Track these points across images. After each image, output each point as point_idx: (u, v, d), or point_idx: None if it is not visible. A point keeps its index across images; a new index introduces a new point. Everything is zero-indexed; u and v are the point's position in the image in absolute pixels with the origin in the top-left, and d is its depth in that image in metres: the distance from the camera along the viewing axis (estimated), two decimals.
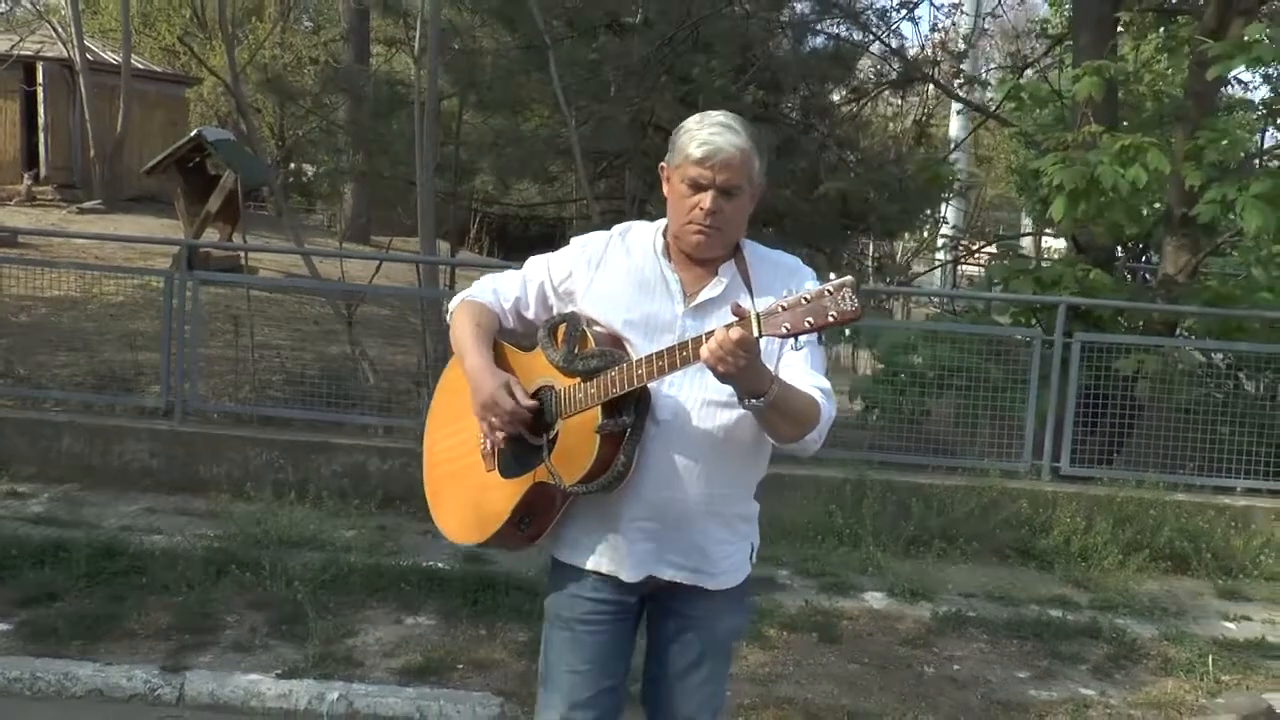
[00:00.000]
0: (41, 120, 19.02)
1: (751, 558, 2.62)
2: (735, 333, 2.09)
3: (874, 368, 8.05)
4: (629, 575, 2.48)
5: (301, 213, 23.37)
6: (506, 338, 2.61)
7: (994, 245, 13.15)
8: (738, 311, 2.12)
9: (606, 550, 2.48)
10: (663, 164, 2.48)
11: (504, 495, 2.47)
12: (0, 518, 5.73)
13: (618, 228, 2.60)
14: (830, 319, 2.04)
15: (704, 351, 2.12)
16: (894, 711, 4.27)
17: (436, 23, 8.95)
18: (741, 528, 2.56)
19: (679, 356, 2.21)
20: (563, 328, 2.44)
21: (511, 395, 2.40)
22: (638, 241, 2.54)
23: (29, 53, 18.84)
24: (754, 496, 2.61)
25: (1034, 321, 7.48)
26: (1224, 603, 5.65)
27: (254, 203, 19.60)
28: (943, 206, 15.31)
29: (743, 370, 2.12)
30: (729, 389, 2.26)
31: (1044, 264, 8.55)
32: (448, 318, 2.65)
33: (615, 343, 2.40)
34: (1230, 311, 7.20)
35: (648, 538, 2.45)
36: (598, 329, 2.43)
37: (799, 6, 13.57)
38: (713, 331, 2.13)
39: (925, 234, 14.25)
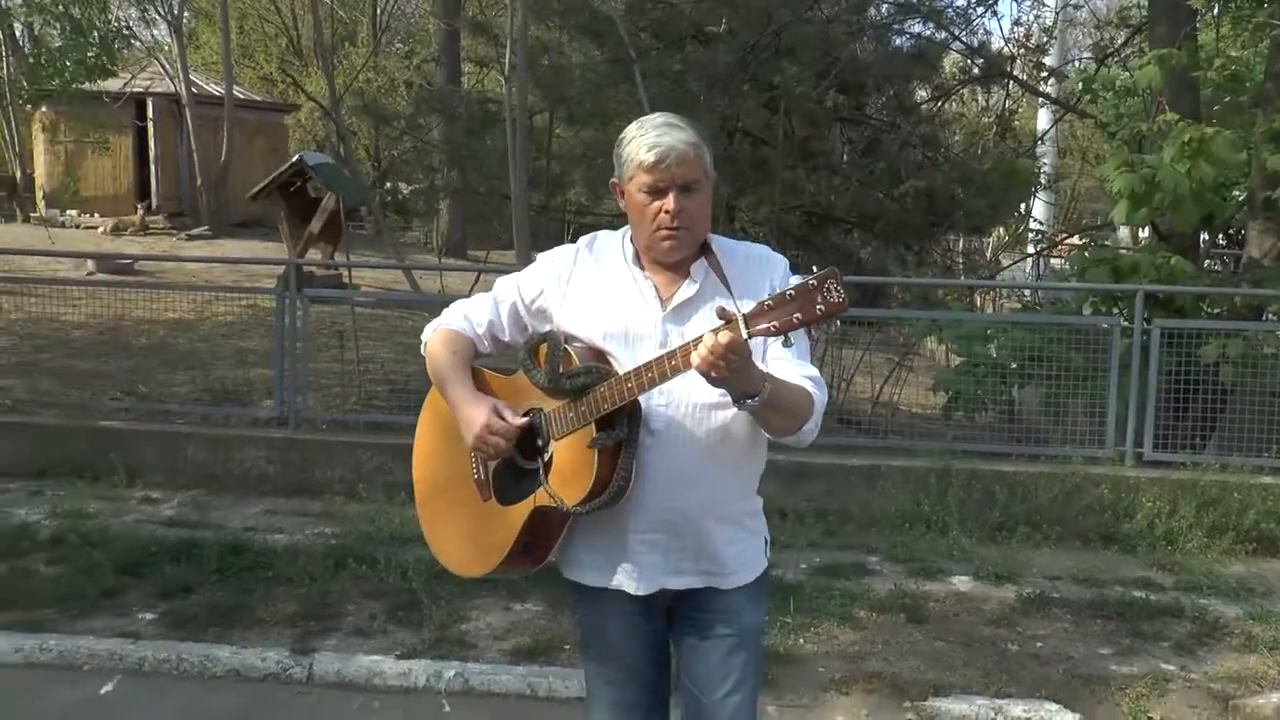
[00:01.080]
0: (152, 153, 19.98)
1: (765, 552, 2.59)
2: (724, 337, 2.06)
3: (953, 360, 8.17)
4: (641, 589, 2.46)
5: (398, 231, 24.06)
6: (485, 363, 2.59)
7: (1078, 236, 13.08)
8: (723, 315, 2.08)
9: (615, 566, 2.46)
10: (613, 180, 2.46)
11: (505, 524, 2.45)
12: (137, 521, 6.22)
13: (583, 239, 2.56)
14: (818, 312, 2.01)
15: (694, 359, 2.09)
16: (978, 684, 4.46)
17: (524, 41, 9.33)
18: (749, 523, 2.55)
19: (668, 366, 2.18)
20: (543, 348, 2.39)
21: (502, 417, 2.38)
22: (605, 251, 2.51)
23: (139, 89, 19.80)
24: (757, 490, 2.59)
25: (1115, 310, 7.55)
26: None
27: (353, 222, 20.27)
28: (1032, 200, 15.32)
29: (735, 373, 2.10)
30: (719, 392, 2.23)
31: (1125, 253, 8.58)
32: (423, 349, 2.60)
33: (598, 357, 2.38)
34: None
35: (654, 550, 2.43)
36: (578, 345, 2.40)
37: (881, 8, 13.73)
38: (700, 338, 2.10)
39: (1014, 228, 14.24)
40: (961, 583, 5.58)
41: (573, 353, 2.35)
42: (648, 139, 2.34)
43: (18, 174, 21.33)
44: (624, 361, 2.35)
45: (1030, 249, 13.46)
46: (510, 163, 9.14)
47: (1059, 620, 5.17)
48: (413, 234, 23.68)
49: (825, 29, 12.12)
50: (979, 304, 13.88)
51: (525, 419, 2.39)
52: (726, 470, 2.44)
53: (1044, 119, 16.35)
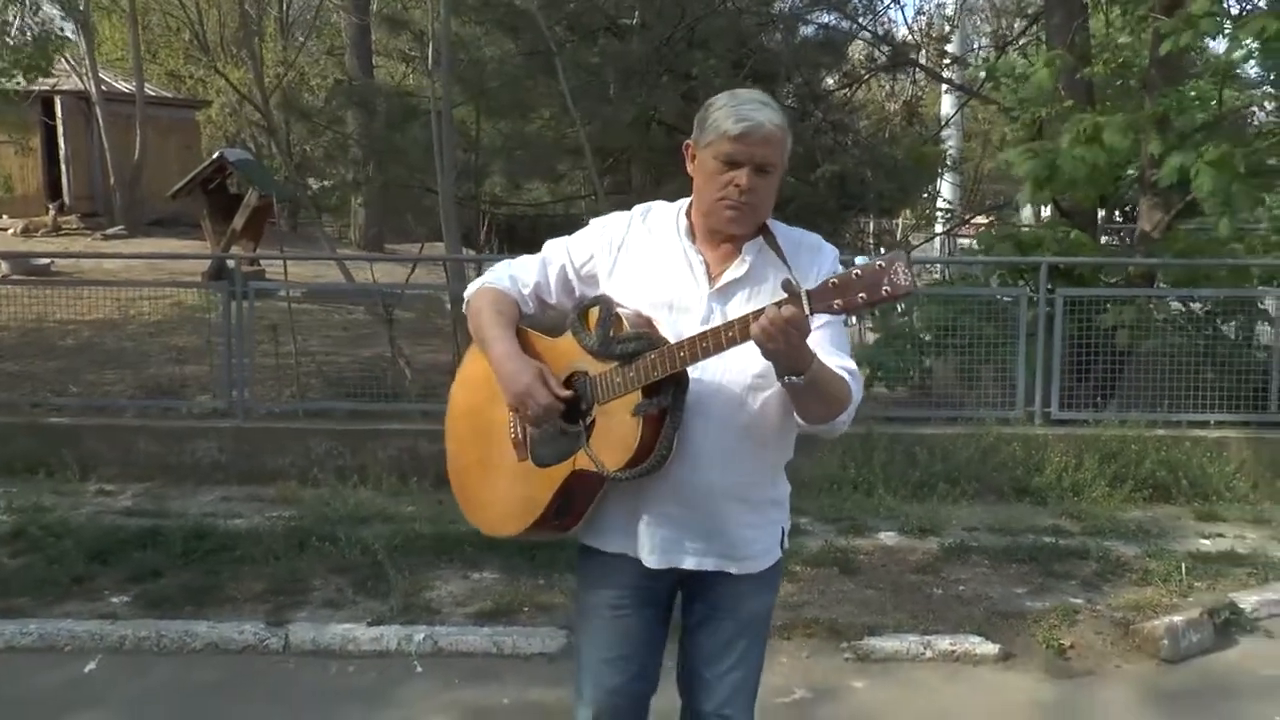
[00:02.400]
0: (62, 152, 19.70)
1: (783, 542, 2.59)
2: (788, 310, 2.04)
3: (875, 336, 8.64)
4: (652, 562, 2.46)
5: (311, 225, 23.94)
6: (528, 323, 2.56)
7: (984, 215, 13.71)
8: (787, 288, 2.07)
9: (631, 535, 2.46)
10: (687, 142, 2.44)
11: (541, 484, 2.43)
12: (96, 512, 6.38)
13: (638, 208, 2.55)
14: (884, 293, 1.99)
15: (754, 329, 2.08)
16: (907, 624, 4.88)
17: (448, 37, 9.54)
18: (770, 512, 2.53)
19: (725, 337, 2.16)
20: (595, 311, 2.38)
21: (547, 386, 2.36)
22: (659, 222, 2.50)
23: (46, 87, 19.49)
24: (784, 480, 2.59)
25: (1022, 282, 8.08)
26: (1200, 524, 6.26)
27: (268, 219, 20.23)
28: (939, 183, 15.96)
29: (792, 348, 2.09)
30: (755, 372, 2.28)
31: (1028, 229, 9.14)
32: (465, 307, 2.60)
33: (648, 324, 2.35)
34: (1192, 261, 7.85)
35: (669, 524, 2.43)
36: (628, 311, 2.37)
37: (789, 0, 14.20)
38: (761, 310, 2.09)
39: (922, 210, 14.84)
40: (888, 537, 6.01)
41: (624, 318, 2.34)
42: (739, 110, 2.30)
43: None
44: (666, 333, 2.33)
45: (939, 228, 14.05)
46: (436, 156, 9.33)
47: (978, 566, 5.62)
48: (323, 229, 23.60)
49: (736, 20, 12.53)
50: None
51: (567, 391, 2.37)
52: (752, 453, 2.42)
53: (948, 104, 17.00)
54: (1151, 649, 4.66)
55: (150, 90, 21.68)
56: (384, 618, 4.92)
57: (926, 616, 4.97)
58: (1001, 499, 6.67)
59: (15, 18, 14.37)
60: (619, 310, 2.35)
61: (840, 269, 2.09)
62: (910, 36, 14.33)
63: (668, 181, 12.78)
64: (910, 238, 15.57)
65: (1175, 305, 7.96)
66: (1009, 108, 9.12)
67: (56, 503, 6.48)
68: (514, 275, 2.56)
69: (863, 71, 14.23)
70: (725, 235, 2.41)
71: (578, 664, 2.63)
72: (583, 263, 2.51)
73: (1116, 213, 12.01)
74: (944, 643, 4.70)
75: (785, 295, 2.07)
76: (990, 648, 4.67)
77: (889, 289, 1.98)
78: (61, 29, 17.44)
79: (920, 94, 16.30)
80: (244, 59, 25.65)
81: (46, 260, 14.58)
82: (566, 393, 2.37)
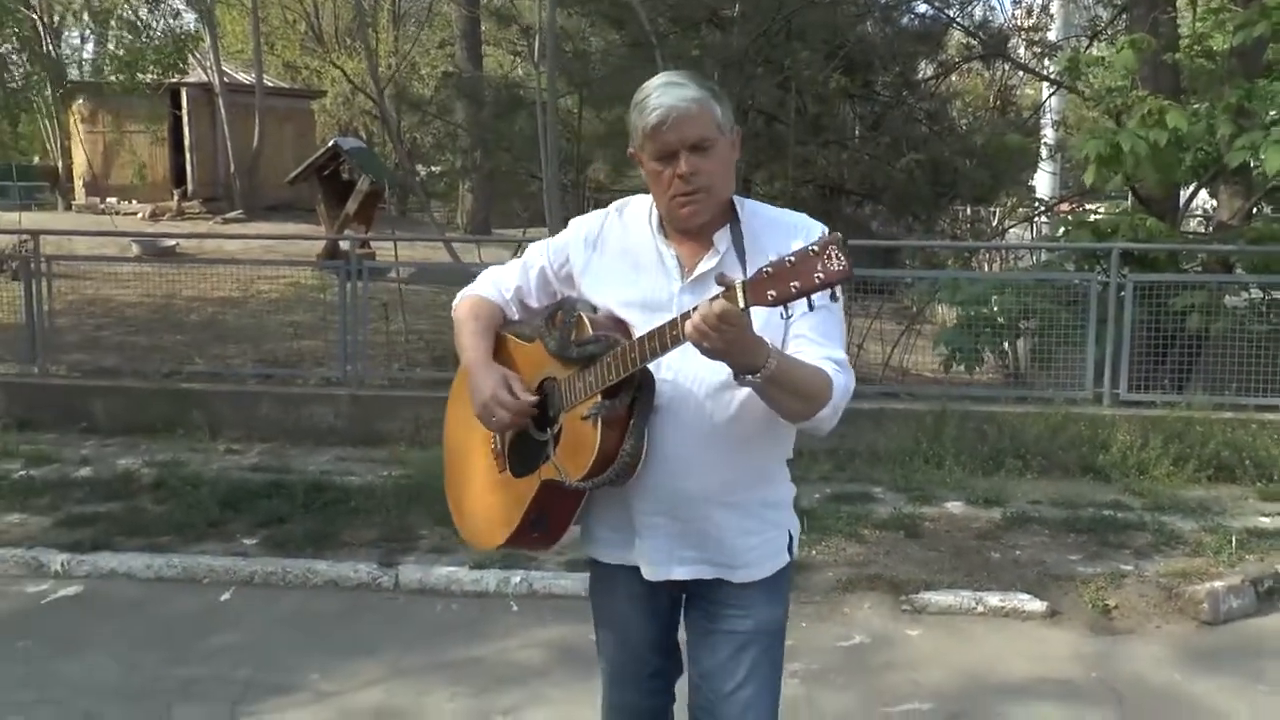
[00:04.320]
0: (187, 141, 20.79)
1: (791, 547, 2.44)
2: (717, 305, 1.92)
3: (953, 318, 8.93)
4: (650, 574, 2.37)
5: (419, 211, 24.76)
6: (511, 329, 2.49)
7: (1068, 203, 13.81)
8: (722, 281, 1.94)
9: (628, 545, 2.38)
10: (630, 152, 2.34)
11: (516, 496, 2.36)
12: (226, 467, 7.05)
13: (615, 204, 2.46)
14: (817, 280, 1.87)
15: (686, 327, 1.96)
16: (963, 582, 5.26)
17: (554, 30, 10.05)
18: (769, 515, 2.40)
19: (669, 336, 2.04)
20: (559, 314, 2.32)
21: (510, 391, 2.29)
22: (634, 217, 2.39)
23: (174, 80, 20.60)
24: (781, 481, 2.45)
25: (1097, 268, 8.32)
26: (1262, 503, 6.47)
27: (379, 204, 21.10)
28: (1036, 171, 16.04)
29: (731, 344, 1.96)
30: (728, 370, 2.08)
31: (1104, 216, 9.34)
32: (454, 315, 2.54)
33: (617, 325, 2.26)
34: (1267, 249, 7.97)
35: (659, 533, 2.33)
36: (599, 313, 2.29)
37: None
38: (696, 307, 1.97)
39: (1018, 198, 14.95)
40: (954, 507, 6.36)
41: (586, 320, 2.24)
42: (648, 102, 2.19)
43: (59, 164, 22.17)
44: (640, 332, 2.18)
45: (1033, 216, 14.19)
46: (541, 144, 9.87)
47: (1037, 535, 5.95)
48: (433, 214, 24.42)
49: (833, 11, 12.86)
50: (984, 268, 14.60)
51: (533, 396, 2.31)
52: (736, 454, 2.29)
53: (1046, 92, 17.02)
54: (1193, 611, 4.97)
55: (268, 81, 22.67)
56: (484, 563, 5.44)
57: (981, 575, 5.34)
58: (1067, 475, 6.96)
59: (157, 20, 15.30)
60: (584, 313, 2.27)
61: (793, 244, 1.99)
62: (1007, 25, 14.44)
63: (764, 167, 13.19)
64: (1004, 225, 15.67)
65: (1255, 292, 8.12)
66: (1090, 98, 9.32)
67: (190, 459, 7.17)
68: (496, 282, 2.53)
69: (957, 60, 14.42)
70: (690, 228, 2.29)
71: (601, 669, 2.60)
72: (560, 263, 2.44)
73: (1205, 202, 12.05)
74: (994, 599, 5.07)
75: (720, 289, 1.95)
76: (1038, 605, 5.02)
77: (821, 275, 1.86)
78: (190, 25, 18.47)
79: (1017, 83, 16.39)
80: (357, 50, 26.68)
81: (173, 242, 15.52)
82: (532, 398, 2.30)
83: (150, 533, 5.84)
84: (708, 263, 2.26)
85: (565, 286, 2.44)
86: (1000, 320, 7.91)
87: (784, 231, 2.26)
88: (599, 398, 2.16)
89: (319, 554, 5.62)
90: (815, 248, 1.87)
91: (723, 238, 2.27)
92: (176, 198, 20.18)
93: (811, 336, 2.20)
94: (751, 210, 2.32)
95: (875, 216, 14.24)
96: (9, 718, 4.05)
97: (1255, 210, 8.40)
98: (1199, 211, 11.21)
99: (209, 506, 6.15)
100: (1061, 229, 9.11)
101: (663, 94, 2.18)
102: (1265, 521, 6.13)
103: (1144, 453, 6.90)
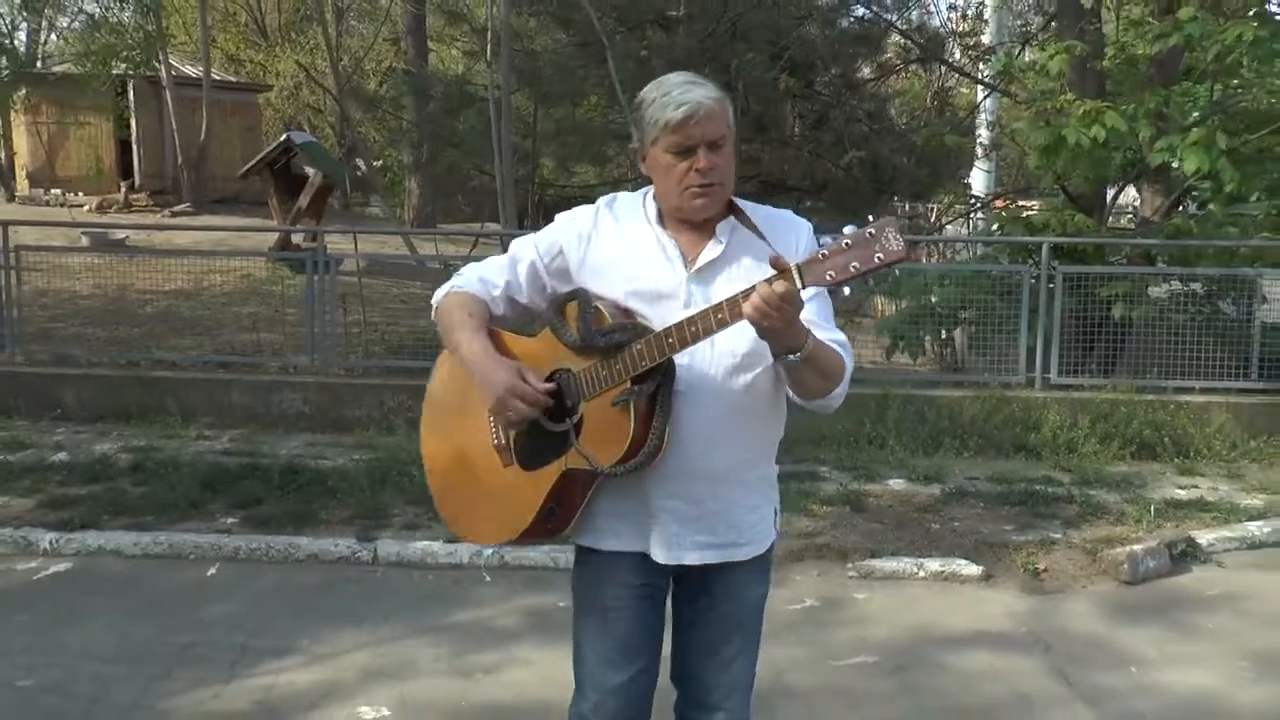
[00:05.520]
0: (134, 133, 20.74)
1: (776, 523, 2.55)
2: (780, 286, 1.99)
3: (895, 308, 9.39)
4: (662, 558, 2.41)
5: (360, 205, 24.88)
6: (500, 325, 2.50)
7: (1001, 200, 14.39)
8: (777, 264, 2.02)
9: (637, 532, 2.42)
10: (632, 146, 2.42)
11: (531, 488, 2.37)
12: (200, 452, 7.29)
13: (602, 199, 2.50)
14: (877, 261, 1.95)
15: (747, 308, 2.03)
16: (905, 550, 5.68)
17: (507, 28, 10.36)
18: (766, 491, 2.51)
19: (714, 320, 2.12)
20: (572, 306, 2.34)
21: (527, 381, 2.30)
22: (626, 211, 2.45)
23: (119, 72, 20.52)
24: (774, 457, 2.56)
25: (1030, 262, 8.82)
26: (1180, 478, 7.01)
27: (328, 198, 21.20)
28: (972, 169, 16.64)
29: (788, 325, 2.05)
30: (744, 351, 2.25)
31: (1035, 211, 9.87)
32: (434, 314, 2.52)
33: (625, 315, 2.31)
34: (1180, 242, 8.58)
35: (674, 518, 2.38)
36: (605, 303, 2.33)
37: None
38: (751, 288, 2.04)
39: (954, 195, 15.51)
40: (896, 484, 6.79)
41: (604, 310, 2.30)
42: (672, 98, 2.26)
43: (2, 155, 22.00)
44: (645, 321, 2.30)
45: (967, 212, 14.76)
46: (494, 140, 10.17)
47: (974, 508, 6.40)
48: (372, 209, 24.54)
49: (775, 13, 13.30)
50: (924, 261, 15.14)
51: (550, 384, 2.33)
52: (749, 433, 2.40)
53: (981, 93, 17.62)
54: (1114, 572, 5.43)
55: (215, 75, 22.65)
56: (458, 538, 5.75)
57: (923, 544, 5.76)
58: (1001, 454, 7.43)
59: (114, 15, 15.29)
60: (597, 303, 2.32)
61: (846, 229, 2.03)
62: (943, 29, 14.98)
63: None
64: (942, 221, 16.23)
65: (1175, 284, 8.67)
66: (1023, 100, 9.83)
67: (164, 444, 7.39)
68: (483, 277, 2.51)
69: (897, 63, 14.94)
70: (699, 219, 2.37)
71: (575, 657, 2.57)
72: (552, 258, 2.46)
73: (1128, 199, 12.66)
74: (934, 564, 5.49)
75: (774, 271, 2.03)
76: (974, 569, 5.45)
77: (881, 255, 1.95)
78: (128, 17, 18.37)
79: (954, 85, 16.96)
80: (302, 44, 26.69)
81: (123, 234, 15.55)
82: (548, 386, 2.32)
83: (133, 513, 6.09)
84: (711, 251, 2.35)
85: (557, 281, 2.46)
86: (940, 310, 8.37)
87: (785, 224, 2.41)
88: (628, 384, 2.23)
89: (298, 531, 5.89)
90: (872, 230, 1.97)
91: (724, 229, 2.36)
92: (124, 190, 20.13)
93: (815, 320, 2.27)
94: (743, 205, 2.41)
95: (816, 212, 14.71)
96: (19, 681, 4.30)
97: (1177, 207, 8.94)
98: (1129, 209, 11.81)
99: (189, 488, 6.40)
100: (996, 224, 9.62)
101: (687, 91, 2.26)
102: (1181, 493, 6.64)
103: (1073, 432, 7.39)
